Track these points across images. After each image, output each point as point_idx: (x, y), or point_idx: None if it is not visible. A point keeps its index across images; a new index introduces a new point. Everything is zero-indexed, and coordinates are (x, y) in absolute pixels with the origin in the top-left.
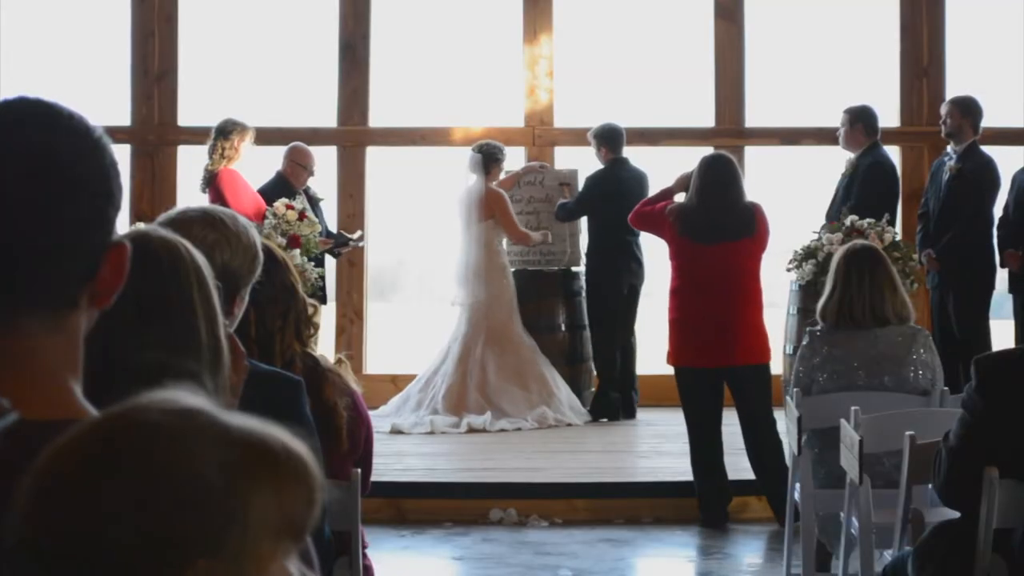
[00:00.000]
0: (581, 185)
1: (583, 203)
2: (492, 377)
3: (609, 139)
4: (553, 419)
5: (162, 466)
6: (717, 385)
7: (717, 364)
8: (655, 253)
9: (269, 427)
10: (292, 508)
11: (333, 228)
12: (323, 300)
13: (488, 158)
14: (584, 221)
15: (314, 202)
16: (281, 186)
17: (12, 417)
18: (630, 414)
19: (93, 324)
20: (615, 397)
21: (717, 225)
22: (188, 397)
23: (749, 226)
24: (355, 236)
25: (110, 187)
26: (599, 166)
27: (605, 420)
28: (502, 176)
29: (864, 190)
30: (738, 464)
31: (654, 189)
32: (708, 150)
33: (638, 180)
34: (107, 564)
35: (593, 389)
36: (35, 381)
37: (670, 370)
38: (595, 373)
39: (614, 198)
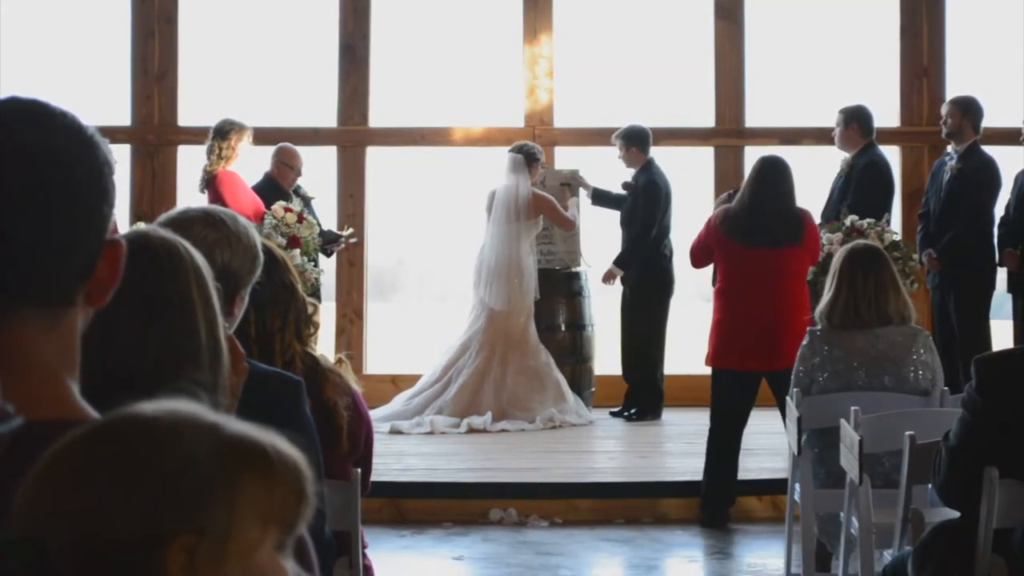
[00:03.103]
0: (610, 192)
1: (657, 211)
2: (511, 379)
3: (641, 140)
4: (559, 421)
5: (148, 451)
6: (753, 387)
7: (758, 368)
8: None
9: (263, 431)
10: (282, 503)
11: (326, 227)
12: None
13: (529, 158)
14: (586, 221)
15: (305, 201)
16: (270, 187)
17: (16, 421)
18: (656, 415)
19: (92, 324)
20: (647, 397)
21: (764, 228)
22: (186, 403)
23: (796, 232)
24: (345, 233)
25: (104, 185)
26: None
27: (634, 416)
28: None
29: (860, 190)
30: (740, 464)
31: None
32: (708, 150)
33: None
34: (98, 547)
35: (593, 389)
36: (32, 379)
37: (673, 371)
38: (623, 372)
39: (667, 199)
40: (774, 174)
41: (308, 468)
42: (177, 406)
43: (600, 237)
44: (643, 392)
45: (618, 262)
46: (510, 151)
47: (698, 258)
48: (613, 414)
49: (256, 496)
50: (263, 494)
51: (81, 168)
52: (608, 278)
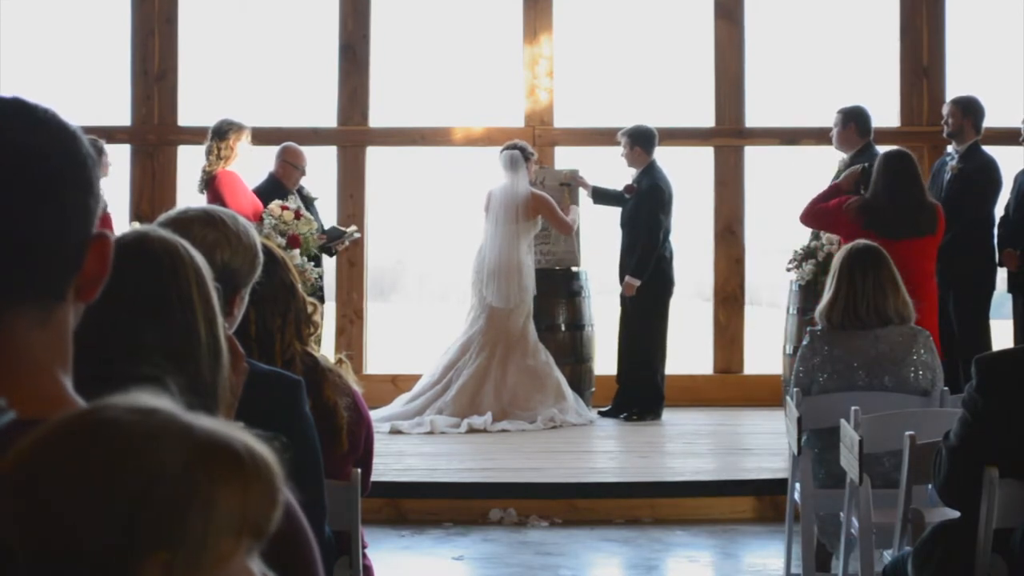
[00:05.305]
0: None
1: (661, 215)
2: (512, 379)
3: (646, 141)
4: (560, 421)
5: (123, 462)
6: None
7: None
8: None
9: (232, 428)
10: (255, 507)
11: (328, 226)
12: (320, 300)
13: (524, 154)
14: (585, 221)
15: (308, 201)
16: (273, 187)
17: (9, 416)
18: (657, 415)
19: (92, 323)
20: (647, 398)
21: (906, 221)
22: (152, 398)
23: (933, 224)
24: (350, 229)
25: (88, 177)
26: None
27: (634, 417)
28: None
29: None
30: (740, 464)
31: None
32: (708, 150)
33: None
34: (69, 558)
35: (593, 389)
36: (25, 376)
37: (673, 372)
38: (617, 373)
39: (669, 202)
40: (909, 167)
41: (277, 464)
42: (149, 406)
43: (600, 238)
44: (643, 393)
45: (635, 273)
46: (505, 149)
47: (814, 221)
48: (602, 414)
49: (231, 506)
50: (238, 503)
51: (65, 162)
52: (628, 290)
